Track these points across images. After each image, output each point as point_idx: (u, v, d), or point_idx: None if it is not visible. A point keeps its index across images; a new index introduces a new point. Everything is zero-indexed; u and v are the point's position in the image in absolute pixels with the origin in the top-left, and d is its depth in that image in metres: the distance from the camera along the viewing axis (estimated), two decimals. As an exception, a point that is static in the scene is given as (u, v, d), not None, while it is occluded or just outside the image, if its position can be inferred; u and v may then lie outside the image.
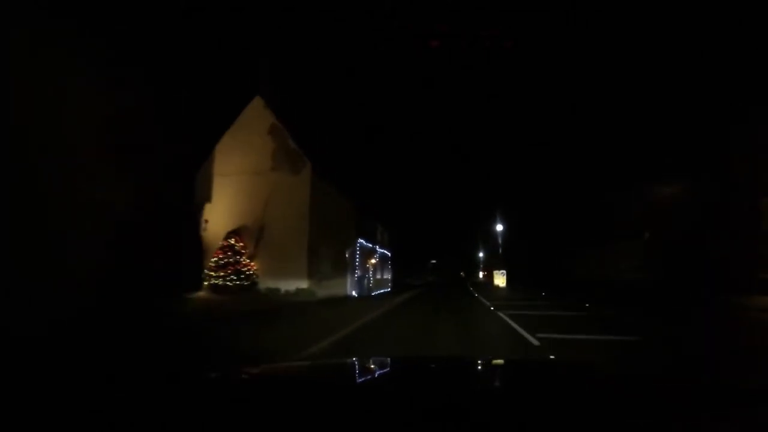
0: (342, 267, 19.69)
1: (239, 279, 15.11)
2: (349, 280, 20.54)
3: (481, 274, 68.43)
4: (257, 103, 17.63)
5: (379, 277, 28.71)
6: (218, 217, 17.04)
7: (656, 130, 23.72)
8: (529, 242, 37.85)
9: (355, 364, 1.89)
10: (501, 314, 10.41)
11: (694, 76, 21.34)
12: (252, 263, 15.69)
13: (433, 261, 74.89)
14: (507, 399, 1.15)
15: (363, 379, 1.56)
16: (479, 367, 1.87)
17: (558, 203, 33.98)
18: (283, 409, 0.94)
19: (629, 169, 26.17)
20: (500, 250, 33.63)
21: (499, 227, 34.22)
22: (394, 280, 36.15)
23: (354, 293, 20.63)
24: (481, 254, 67.01)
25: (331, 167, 19.31)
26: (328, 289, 16.92)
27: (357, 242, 22.13)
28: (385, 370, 1.71)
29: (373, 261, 25.71)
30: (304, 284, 15.04)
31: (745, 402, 1.06)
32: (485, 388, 1.43)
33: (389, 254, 33.10)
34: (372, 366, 1.81)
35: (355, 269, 21.57)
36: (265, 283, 15.38)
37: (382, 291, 26.89)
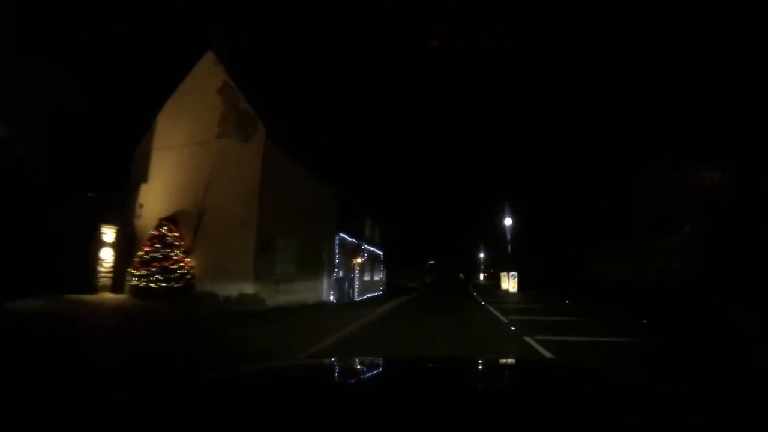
0: (315, 267, 15.83)
1: (167, 280, 11.28)
2: (325, 282, 16.71)
3: (481, 276, 64.65)
4: (208, 59, 13.92)
5: (368, 278, 24.93)
6: (156, 201, 13.33)
7: (693, 112, 20.02)
8: (534, 242, 34.18)
9: (354, 364, 1.87)
10: (529, 341, 6.61)
11: (744, 49, 17.56)
12: (188, 259, 11.89)
13: (431, 261, 70.85)
14: (506, 399, 1.12)
15: (362, 378, 1.54)
16: (479, 367, 1.83)
17: (570, 198, 30.21)
18: (283, 410, 0.91)
19: (654, 159, 22.73)
20: (509, 248, 29.56)
21: (508, 221, 30.11)
22: (388, 281, 32.41)
23: (332, 299, 16.84)
24: (481, 255, 63.21)
25: (299, 140, 15.52)
26: (291, 295, 13.08)
27: (337, 237, 18.33)
28: (385, 370, 1.67)
29: (359, 260, 21.86)
30: (249, 288, 11.14)
31: (744, 402, 1.03)
32: (485, 388, 1.39)
33: (381, 253, 29.26)
34: (372, 366, 1.79)
35: (335, 270, 17.73)
36: (204, 286, 11.56)
37: (371, 295, 23.11)
